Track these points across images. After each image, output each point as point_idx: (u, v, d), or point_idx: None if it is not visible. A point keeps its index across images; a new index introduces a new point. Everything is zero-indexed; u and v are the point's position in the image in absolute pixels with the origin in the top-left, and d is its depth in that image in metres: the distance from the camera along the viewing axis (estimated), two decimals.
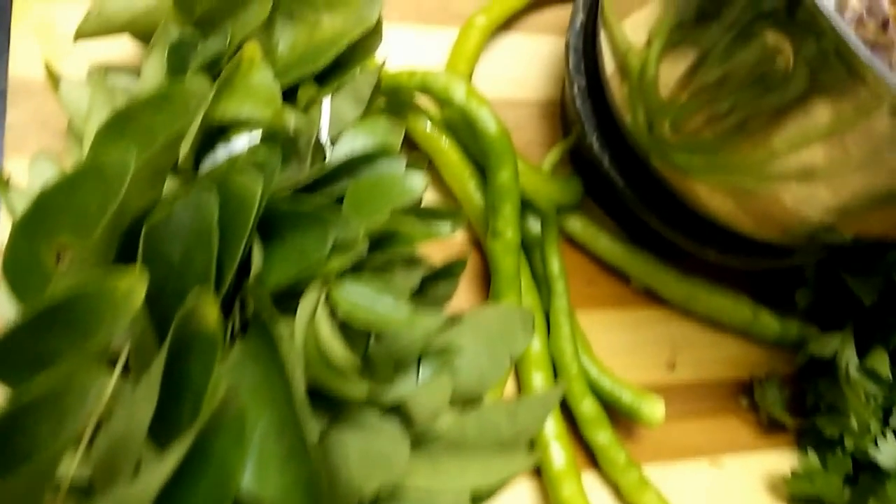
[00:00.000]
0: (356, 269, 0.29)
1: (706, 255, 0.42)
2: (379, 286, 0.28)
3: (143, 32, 0.37)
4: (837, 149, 0.30)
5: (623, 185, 0.41)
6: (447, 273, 0.34)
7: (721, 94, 0.34)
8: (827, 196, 0.33)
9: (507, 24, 0.49)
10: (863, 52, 0.26)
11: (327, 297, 0.28)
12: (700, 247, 0.42)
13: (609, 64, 0.40)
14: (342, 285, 0.28)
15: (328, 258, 0.27)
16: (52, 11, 0.41)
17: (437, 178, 0.43)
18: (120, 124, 0.28)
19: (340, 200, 0.32)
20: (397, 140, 0.34)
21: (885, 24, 0.39)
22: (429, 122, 0.42)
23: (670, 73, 0.35)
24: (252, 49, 0.33)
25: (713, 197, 0.37)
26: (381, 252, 0.30)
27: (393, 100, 0.41)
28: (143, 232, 0.26)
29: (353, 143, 0.34)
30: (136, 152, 0.26)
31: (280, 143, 0.31)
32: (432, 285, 0.34)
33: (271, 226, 0.28)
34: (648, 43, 0.35)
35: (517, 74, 0.48)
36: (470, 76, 0.45)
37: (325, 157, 0.35)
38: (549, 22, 0.50)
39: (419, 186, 0.31)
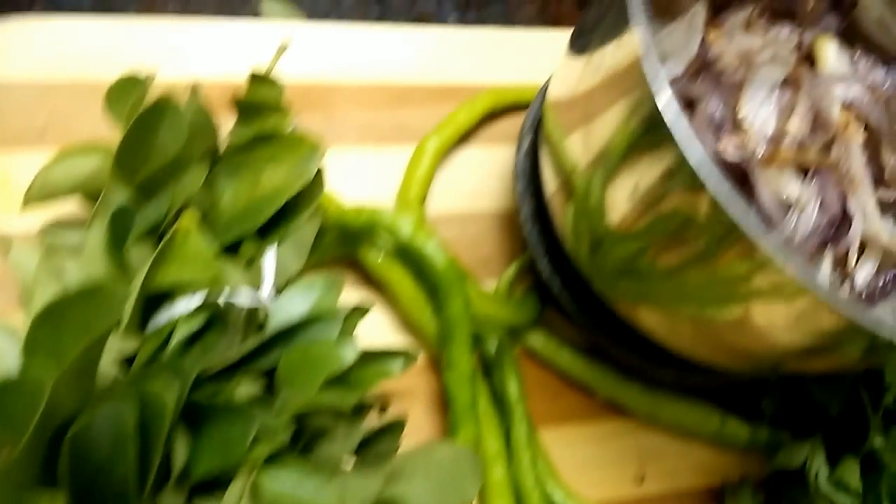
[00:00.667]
0: (284, 452, 0.29)
1: (664, 377, 0.42)
2: (305, 470, 0.29)
3: (92, 193, 0.38)
4: (756, 304, 0.30)
5: (575, 311, 0.41)
6: (388, 430, 0.34)
7: (648, 229, 0.34)
8: (758, 344, 0.33)
9: (463, 137, 0.49)
10: (755, 230, 0.26)
11: (253, 486, 0.28)
12: (657, 368, 0.41)
13: (550, 185, 0.40)
14: (267, 472, 0.28)
15: (252, 447, 0.28)
16: (10, 164, 0.43)
17: (393, 301, 0.44)
18: (49, 321, 0.29)
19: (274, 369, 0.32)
20: (334, 299, 0.35)
21: (828, 146, 0.39)
22: (382, 252, 0.42)
23: (609, 200, 0.35)
24: (187, 219, 0.34)
25: (654, 325, 0.37)
26: (312, 423, 0.30)
27: (343, 233, 0.41)
28: (66, 439, 0.26)
29: (289, 306, 0.34)
30: (57, 361, 0.26)
31: (216, 314, 0.32)
32: (374, 442, 0.35)
33: (198, 414, 0.29)
34: (588, 167, 0.35)
35: (475, 187, 0.49)
36: (423, 200, 0.45)
37: (266, 314, 0.36)
38: (506, 131, 0.50)
39: (351, 356, 0.31)
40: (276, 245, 0.37)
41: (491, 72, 0.52)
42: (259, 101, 0.38)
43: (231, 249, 0.37)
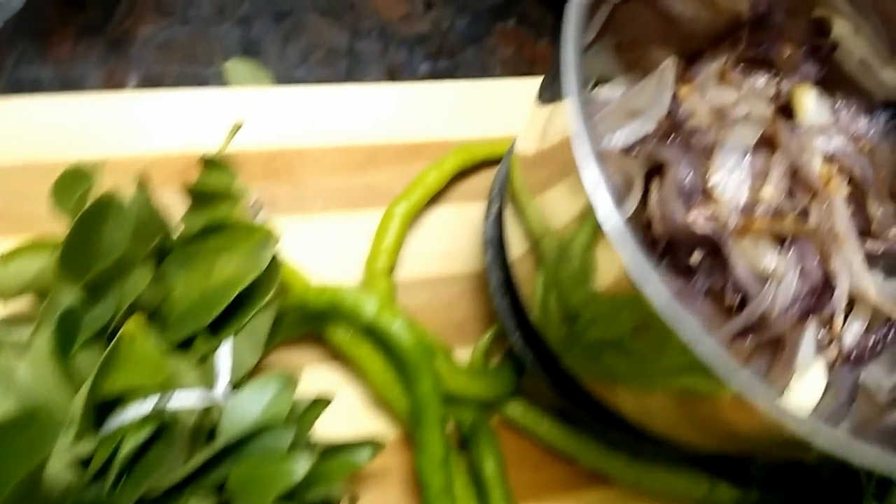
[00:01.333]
0: None
1: (644, 450, 0.40)
2: None
3: (43, 291, 0.37)
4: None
5: (549, 384, 0.40)
6: None
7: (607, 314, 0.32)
8: (727, 436, 0.31)
9: (434, 196, 0.48)
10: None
11: None
12: (637, 442, 0.40)
13: (514, 250, 0.39)
14: None
15: None
16: None
17: (363, 377, 0.42)
18: None
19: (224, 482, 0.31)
20: (288, 400, 0.33)
21: (805, 212, 0.37)
22: (348, 329, 0.41)
23: (574, 274, 0.34)
24: (132, 323, 0.33)
25: (624, 406, 0.35)
26: None
27: (306, 314, 0.40)
28: None
29: (241, 410, 0.33)
30: None
31: (165, 423, 0.31)
32: None
33: None
34: (554, 235, 0.33)
35: (447, 248, 0.47)
36: (391, 270, 0.44)
37: (221, 413, 0.35)
38: (479, 188, 0.49)
39: (302, 471, 0.30)
40: (231, 338, 0.36)
41: (463, 126, 0.50)
42: (211, 187, 0.37)
43: (185, 345, 0.36)
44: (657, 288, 0.25)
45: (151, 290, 0.36)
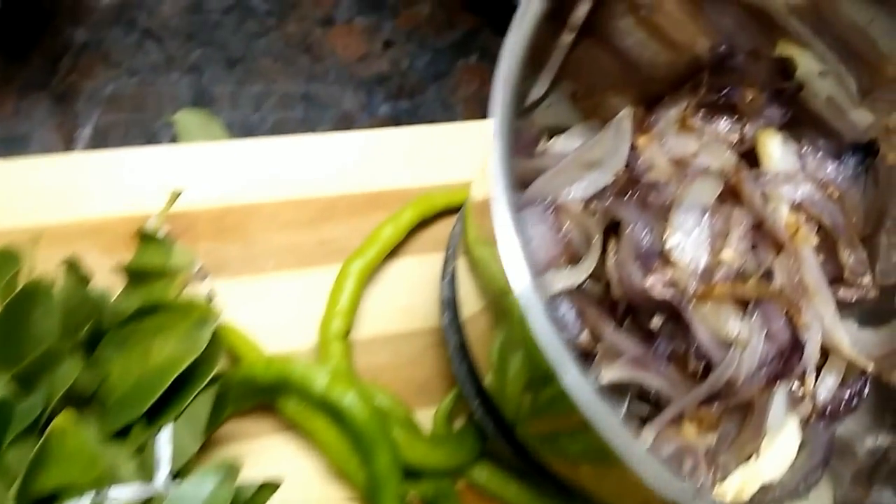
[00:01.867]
0: None
1: None
2: None
3: None
4: None
5: (511, 454, 0.38)
6: None
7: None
8: None
9: (394, 249, 0.46)
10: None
11: None
12: None
13: (466, 308, 0.38)
14: None
15: None
16: None
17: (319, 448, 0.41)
18: None
19: None
20: (227, 496, 0.32)
21: (768, 274, 0.36)
22: (301, 401, 0.39)
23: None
24: (62, 418, 0.31)
25: (574, 479, 0.34)
26: None
27: (254, 388, 0.39)
28: None
29: None
30: None
31: None
32: None
33: None
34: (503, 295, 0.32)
35: (407, 302, 0.46)
36: (346, 332, 0.42)
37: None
38: (439, 238, 0.47)
39: None
40: (170, 425, 0.34)
41: (424, 172, 0.49)
42: (146, 264, 0.35)
43: (123, 432, 0.34)
44: (573, 377, 0.23)
45: (86, 376, 0.34)
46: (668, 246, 0.34)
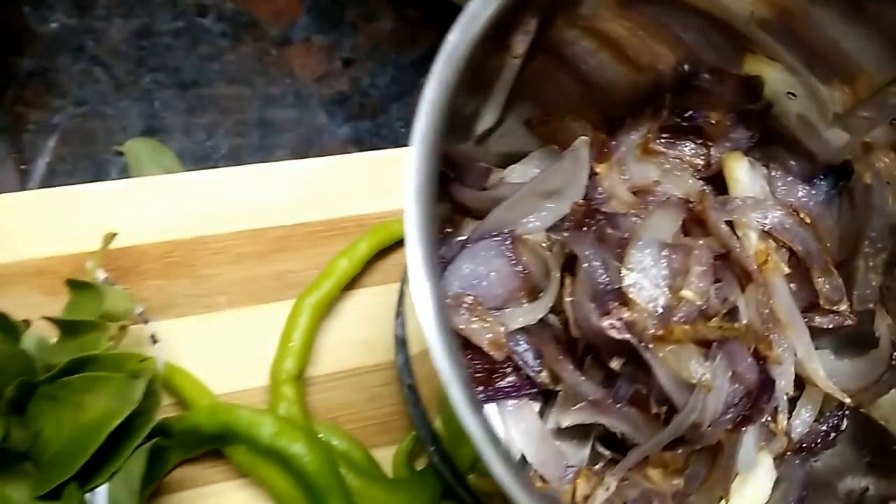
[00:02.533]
0: None
1: None
2: None
3: None
4: None
5: (472, 501, 0.36)
6: None
7: None
8: None
9: (352, 281, 0.44)
10: None
11: None
12: None
13: (414, 345, 0.36)
14: None
15: None
16: None
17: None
18: None
19: None
20: None
21: (732, 312, 0.34)
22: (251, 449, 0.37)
23: None
24: None
25: None
26: None
27: (200, 437, 0.37)
28: None
29: None
30: None
31: None
32: None
33: None
34: None
35: (368, 336, 0.44)
36: (300, 373, 0.40)
37: None
38: (399, 265, 0.45)
39: None
40: (105, 485, 0.32)
41: (382, 200, 0.47)
42: (79, 314, 0.34)
43: (55, 494, 0.33)
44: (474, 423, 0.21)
45: (17, 434, 0.33)
46: (624, 284, 0.33)
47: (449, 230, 0.39)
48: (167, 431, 0.36)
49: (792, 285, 0.38)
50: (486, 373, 0.37)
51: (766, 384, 0.34)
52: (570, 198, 0.37)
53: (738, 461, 0.35)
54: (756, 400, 0.33)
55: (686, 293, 0.32)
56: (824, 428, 0.38)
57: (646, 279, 0.32)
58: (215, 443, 0.38)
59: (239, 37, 0.53)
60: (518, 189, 0.37)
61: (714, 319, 0.33)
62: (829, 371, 0.38)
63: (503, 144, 0.39)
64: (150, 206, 0.44)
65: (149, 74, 0.51)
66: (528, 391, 0.37)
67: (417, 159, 0.23)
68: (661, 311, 0.32)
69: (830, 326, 0.39)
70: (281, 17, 0.54)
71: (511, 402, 0.37)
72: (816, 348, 0.39)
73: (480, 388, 0.37)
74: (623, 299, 0.33)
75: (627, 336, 0.32)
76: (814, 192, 0.38)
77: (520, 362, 0.36)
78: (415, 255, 0.22)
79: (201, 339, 0.42)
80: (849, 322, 0.39)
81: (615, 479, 0.35)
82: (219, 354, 0.42)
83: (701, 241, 0.34)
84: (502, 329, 0.36)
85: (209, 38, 0.52)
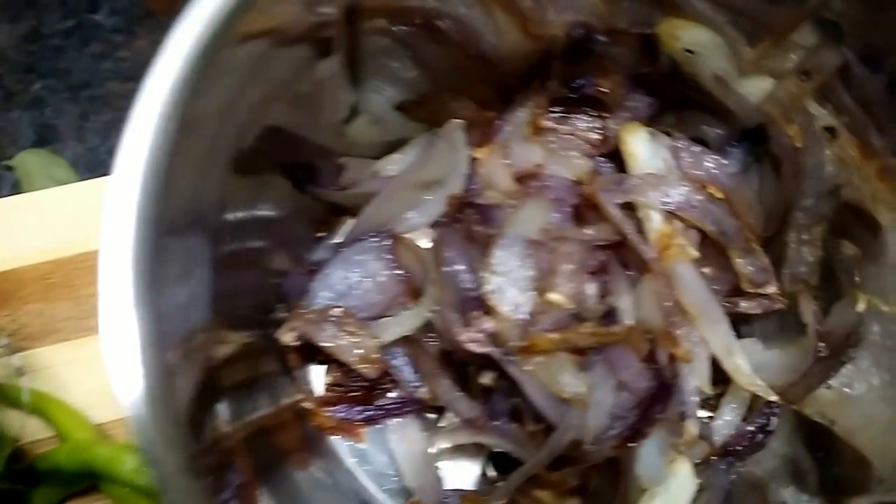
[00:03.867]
0: None
1: None
2: None
3: None
4: None
5: None
6: None
7: None
8: None
9: None
10: None
11: None
12: None
13: None
14: None
15: None
16: None
17: None
18: None
19: None
20: None
21: (610, 315, 0.30)
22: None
23: None
24: None
25: None
26: None
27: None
28: None
29: None
30: None
31: None
32: None
33: None
34: None
35: None
36: None
37: None
38: None
39: None
40: None
41: None
42: None
43: None
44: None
45: None
46: (485, 290, 0.29)
47: (322, 234, 0.36)
48: (35, 470, 0.34)
49: (706, 270, 0.34)
50: (364, 390, 0.34)
51: (662, 391, 0.30)
52: (452, 189, 0.33)
53: (640, 476, 0.31)
54: (648, 410, 0.29)
55: (553, 297, 0.28)
56: (751, 428, 0.34)
57: (509, 283, 0.29)
58: (89, 479, 0.36)
59: (132, 31, 0.50)
60: (390, 183, 0.34)
61: (587, 324, 0.29)
62: (757, 364, 0.34)
63: (379, 133, 0.36)
64: (33, 223, 0.42)
65: (39, 81, 0.48)
66: (414, 408, 0.34)
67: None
68: (525, 318, 0.28)
69: (759, 312, 0.35)
70: (176, 5, 0.51)
71: (395, 420, 0.34)
72: (745, 337, 0.34)
73: (360, 408, 0.34)
74: (487, 308, 0.29)
75: (489, 350, 0.28)
76: (725, 162, 0.33)
77: (397, 377, 0.33)
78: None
79: (83, 365, 0.39)
80: (779, 305, 0.34)
81: (499, 502, 0.32)
82: (101, 381, 0.39)
83: (572, 237, 0.30)
84: (375, 343, 0.32)
85: (101, 35, 0.50)
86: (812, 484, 0.33)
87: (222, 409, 0.32)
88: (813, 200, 0.34)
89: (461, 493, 0.32)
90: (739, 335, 0.34)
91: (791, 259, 0.34)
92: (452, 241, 0.31)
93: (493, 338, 0.29)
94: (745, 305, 0.35)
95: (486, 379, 0.30)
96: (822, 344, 0.32)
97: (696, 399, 0.32)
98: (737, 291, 0.35)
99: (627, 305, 0.30)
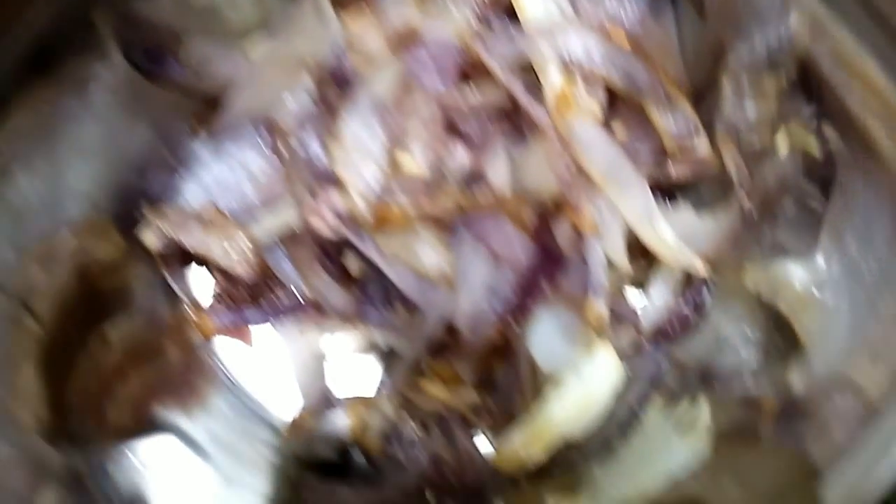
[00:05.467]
0: None
1: None
2: None
3: None
4: None
5: None
6: None
7: None
8: None
9: None
10: None
11: None
12: None
13: None
14: None
15: None
16: None
17: None
18: None
19: None
20: None
21: (476, 178, 0.27)
22: None
23: None
24: None
25: None
26: None
27: None
28: None
29: None
30: None
31: None
32: None
33: None
34: None
35: None
36: None
37: None
38: None
39: None
40: None
41: None
42: None
43: None
44: None
45: None
46: (334, 164, 0.26)
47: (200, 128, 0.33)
48: None
49: (622, 133, 0.30)
50: (249, 291, 0.32)
51: (547, 263, 0.26)
52: (320, 60, 0.30)
53: (540, 362, 0.28)
54: (530, 286, 0.26)
55: (407, 163, 0.25)
56: (691, 302, 0.30)
57: (358, 154, 0.25)
58: None
59: None
60: (255, 63, 0.31)
61: (447, 191, 0.25)
62: (687, 235, 0.30)
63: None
64: None
65: None
66: (302, 308, 0.31)
67: None
68: (375, 190, 0.25)
69: (689, 176, 0.30)
70: None
71: (282, 321, 0.32)
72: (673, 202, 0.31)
73: (245, 311, 0.32)
74: (337, 183, 0.26)
75: (341, 228, 0.25)
76: (629, 0, 0.29)
77: (280, 276, 0.31)
78: None
79: None
80: (710, 167, 0.30)
81: (388, 402, 0.29)
82: None
83: (425, 97, 0.26)
84: (248, 242, 0.30)
85: None
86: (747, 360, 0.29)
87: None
88: (754, 42, 0.29)
89: (349, 399, 0.30)
90: None
91: (724, 110, 0.30)
92: (310, 115, 0.27)
93: (347, 217, 0.25)
94: (673, 170, 0.31)
95: (354, 265, 0.27)
96: (748, 202, 0.28)
97: (604, 274, 0.28)
98: (665, 154, 0.31)
99: (502, 171, 0.26)
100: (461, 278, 0.25)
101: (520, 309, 0.26)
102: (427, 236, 0.25)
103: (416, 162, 0.25)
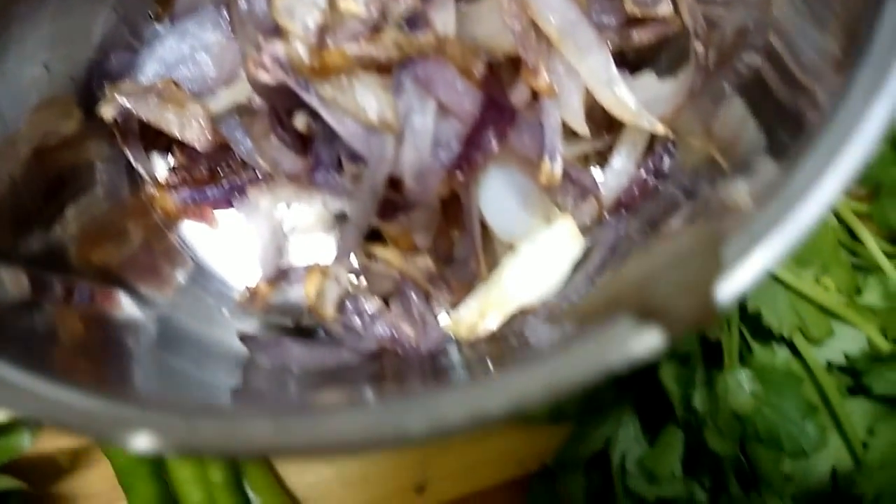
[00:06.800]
0: None
1: None
2: None
3: None
4: None
5: None
6: None
7: None
8: None
9: None
10: None
11: None
12: None
13: None
14: None
15: None
16: None
17: None
18: None
19: None
20: None
21: (419, 19, 0.26)
22: None
23: None
24: None
25: None
26: None
27: None
28: None
29: None
30: None
31: None
32: None
33: None
34: None
35: None
36: None
37: None
38: None
39: None
40: None
41: None
42: None
43: None
44: None
45: None
46: (274, 9, 0.25)
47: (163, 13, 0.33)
48: None
49: None
50: (209, 170, 0.32)
51: (494, 113, 0.26)
52: None
53: (491, 225, 0.28)
54: (476, 135, 0.25)
55: (345, 4, 0.25)
56: (643, 174, 0.30)
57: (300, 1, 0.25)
58: None
59: None
60: None
61: (388, 33, 0.25)
62: (648, 99, 0.29)
63: None
64: None
65: None
66: (262, 182, 0.31)
67: None
68: (314, 34, 0.25)
69: (651, 39, 0.30)
70: None
71: (246, 197, 0.31)
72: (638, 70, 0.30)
73: (207, 190, 0.32)
74: (279, 31, 0.26)
75: (282, 78, 0.25)
76: None
77: (236, 149, 0.30)
78: None
79: None
80: (673, 24, 0.29)
81: (341, 268, 0.29)
82: None
83: None
84: (204, 113, 0.30)
85: None
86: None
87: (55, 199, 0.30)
88: None
89: (306, 267, 0.30)
90: None
91: None
92: None
93: (287, 65, 0.25)
94: (636, 35, 0.30)
95: (300, 122, 0.27)
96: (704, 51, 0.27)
97: (559, 138, 0.28)
98: (629, 20, 0.30)
99: (448, 17, 0.25)
100: (404, 126, 0.25)
101: (466, 160, 0.26)
102: (370, 82, 0.25)
103: (356, 3, 0.25)
